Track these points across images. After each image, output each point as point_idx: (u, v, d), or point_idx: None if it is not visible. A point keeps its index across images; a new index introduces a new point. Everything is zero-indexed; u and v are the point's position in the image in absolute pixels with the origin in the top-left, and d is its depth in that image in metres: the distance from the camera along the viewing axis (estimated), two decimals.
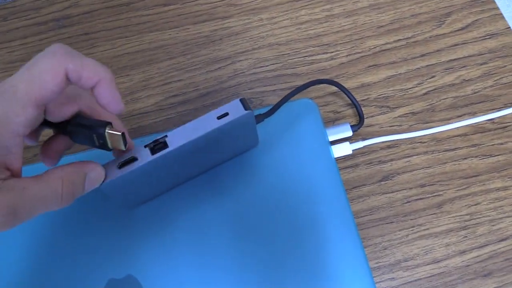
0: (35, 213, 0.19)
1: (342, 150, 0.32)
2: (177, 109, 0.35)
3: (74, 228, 0.30)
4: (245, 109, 0.25)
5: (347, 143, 0.32)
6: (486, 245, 0.31)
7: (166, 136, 0.25)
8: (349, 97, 0.33)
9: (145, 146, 0.24)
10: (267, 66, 0.36)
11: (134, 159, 0.24)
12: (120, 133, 0.22)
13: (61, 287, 0.28)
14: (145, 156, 0.24)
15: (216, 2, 0.39)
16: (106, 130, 0.22)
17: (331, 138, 0.32)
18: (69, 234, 0.30)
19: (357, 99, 0.35)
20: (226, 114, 0.25)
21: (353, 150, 0.33)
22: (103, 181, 0.24)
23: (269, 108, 0.32)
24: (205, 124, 0.25)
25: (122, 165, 0.24)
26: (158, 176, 0.27)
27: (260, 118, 0.29)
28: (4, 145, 0.18)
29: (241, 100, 0.25)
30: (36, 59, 0.19)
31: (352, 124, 0.34)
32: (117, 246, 0.29)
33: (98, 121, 0.22)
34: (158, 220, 0.30)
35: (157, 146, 0.24)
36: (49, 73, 0.19)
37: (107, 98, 0.21)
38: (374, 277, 0.30)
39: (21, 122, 0.18)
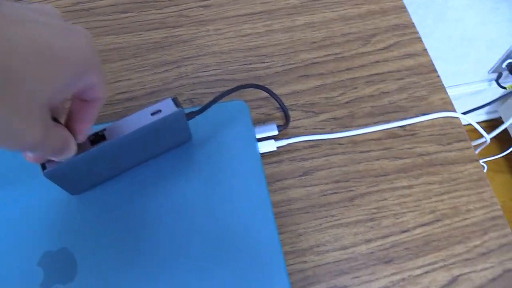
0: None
1: (267, 146, 0.36)
2: (124, 104, 0.38)
3: (14, 215, 0.32)
4: (176, 106, 0.29)
5: (272, 140, 0.36)
6: (389, 235, 0.35)
7: (104, 129, 0.28)
8: (276, 100, 0.37)
9: None
10: (209, 71, 0.40)
11: None
12: None
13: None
14: (85, 147, 0.27)
15: (169, 12, 0.43)
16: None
17: (259, 135, 0.36)
18: (8, 220, 0.32)
19: (287, 104, 0.39)
20: (159, 111, 0.29)
21: (277, 147, 0.37)
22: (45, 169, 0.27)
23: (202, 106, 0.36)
24: (140, 119, 0.28)
25: None
26: (99, 165, 0.30)
27: (192, 115, 0.33)
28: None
29: (173, 99, 0.29)
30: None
31: (279, 124, 0.38)
32: (57, 230, 0.32)
33: None
34: (97, 205, 0.33)
35: (96, 138, 0.28)
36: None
37: (88, 117, 0.23)
38: (288, 259, 0.33)
39: None
